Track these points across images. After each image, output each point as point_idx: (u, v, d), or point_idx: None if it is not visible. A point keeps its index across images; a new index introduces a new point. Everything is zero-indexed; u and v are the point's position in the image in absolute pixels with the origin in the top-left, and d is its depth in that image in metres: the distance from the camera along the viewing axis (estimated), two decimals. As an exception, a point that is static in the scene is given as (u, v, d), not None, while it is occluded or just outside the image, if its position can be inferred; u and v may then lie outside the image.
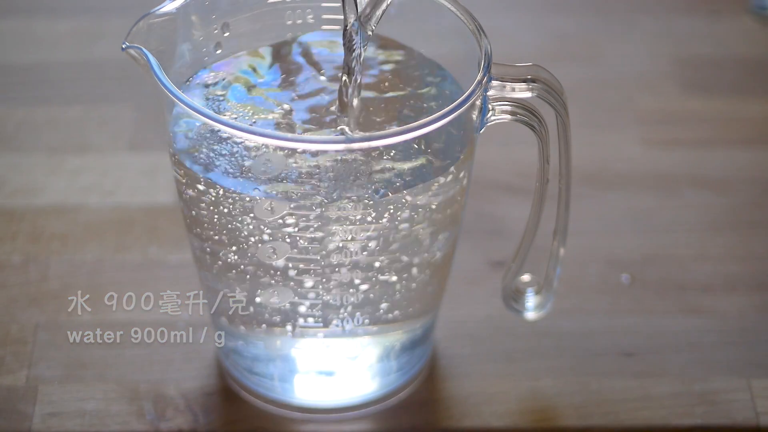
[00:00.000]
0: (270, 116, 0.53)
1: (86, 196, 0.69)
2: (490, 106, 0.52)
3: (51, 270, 0.65)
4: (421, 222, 0.53)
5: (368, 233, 0.51)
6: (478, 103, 0.51)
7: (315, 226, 0.51)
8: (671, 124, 0.75)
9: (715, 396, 0.60)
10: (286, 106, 0.53)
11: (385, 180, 0.50)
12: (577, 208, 0.61)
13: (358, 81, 0.52)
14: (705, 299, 0.64)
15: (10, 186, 0.69)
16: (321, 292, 0.53)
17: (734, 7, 0.83)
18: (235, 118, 0.52)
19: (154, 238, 0.66)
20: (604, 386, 0.60)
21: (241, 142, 0.50)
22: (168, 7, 0.52)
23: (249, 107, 0.53)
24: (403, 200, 0.51)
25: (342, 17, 0.51)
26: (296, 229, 0.51)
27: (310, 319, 0.54)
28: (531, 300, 0.59)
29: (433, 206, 0.53)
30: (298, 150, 0.49)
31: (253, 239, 0.52)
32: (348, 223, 0.51)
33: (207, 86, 0.54)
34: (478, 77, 0.50)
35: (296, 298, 0.53)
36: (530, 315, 0.59)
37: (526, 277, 0.59)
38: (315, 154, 0.50)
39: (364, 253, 0.52)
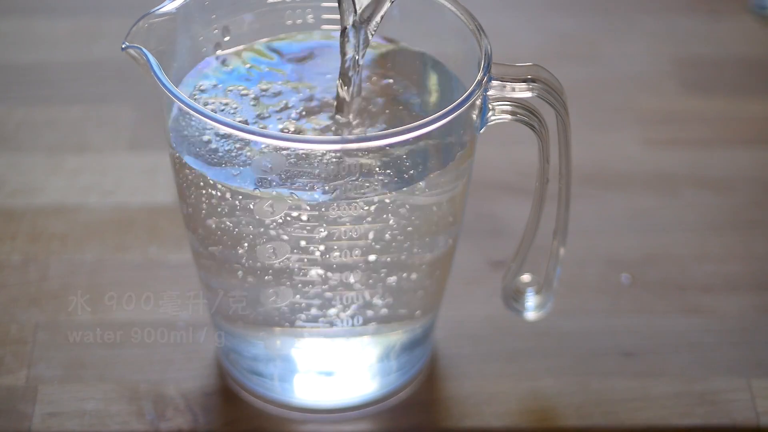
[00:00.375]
0: (269, 108, 0.53)
1: (86, 195, 0.69)
2: (490, 106, 0.52)
3: (51, 270, 0.65)
4: (421, 222, 0.53)
5: (368, 233, 0.51)
6: (478, 102, 0.51)
7: (315, 226, 0.51)
8: (671, 124, 0.75)
9: (715, 396, 0.60)
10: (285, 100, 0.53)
11: (385, 180, 0.50)
12: (577, 208, 0.61)
13: (357, 83, 0.52)
14: (705, 299, 0.64)
15: (10, 186, 0.69)
16: (321, 292, 0.53)
17: (734, 7, 0.83)
18: (233, 111, 0.52)
19: (154, 238, 0.66)
20: (604, 386, 0.60)
21: (241, 142, 0.50)
22: (168, 7, 0.52)
23: (252, 99, 0.53)
24: (403, 200, 0.51)
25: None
26: (296, 228, 0.51)
27: (310, 319, 0.54)
28: (531, 300, 0.59)
29: (433, 206, 0.53)
30: (298, 150, 0.49)
31: (253, 239, 0.52)
32: (348, 222, 0.51)
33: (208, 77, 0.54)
34: (478, 77, 0.50)
35: (296, 298, 0.53)
36: (530, 315, 0.59)
37: (526, 277, 0.59)
38: (315, 154, 0.50)
39: (364, 252, 0.52)
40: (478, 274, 0.65)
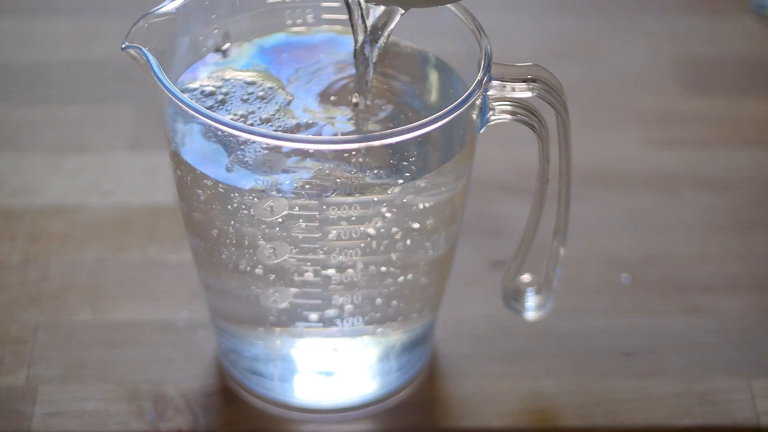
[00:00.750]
0: (274, 107, 0.53)
1: (86, 195, 0.69)
2: (490, 106, 0.52)
3: (51, 270, 0.65)
4: (421, 222, 0.53)
5: (368, 233, 0.51)
6: (478, 102, 0.51)
7: (315, 225, 0.51)
8: (671, 124, 0.75)
9: (715, 396, 0.60)
10: (288, 96, 0.53)
11: (385, 180, 0.50)
12: (577, 208, 0.61)
13: (371, 88, 0.52)
14: (705, 299, 0.64)
15: (10, 186, 0.69)
16: (321, 292, 0.53)
17: (734, 7, 0.83)
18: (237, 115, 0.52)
19: (154, 238, 0.66)
20: (604, 386, 0.60)
21: (241, 141, 0.50)
22: (168, 7, 0.52)
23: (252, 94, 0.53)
24: (403, 200, 0.51)
25: (345, 17, 0.51)
26: (296, 228, 0.51)
27: (310, 319, 0.54)
28: (531, 300, 0.59)
29: (433, 206, 0.53)
30: (298, 150, 0.49)
31: (253, 239, 0.52)
32: (348, 222, 0.51)
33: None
34: (478, 77, 0.50)
35: (296, 298, 0.53)
36: (530, 315, 0.59)
37: (526, 277, 0.59)
38: (314, 153, 0.50)
39: (364, 252, 0.52)
40: (478, 274, 0.65)
